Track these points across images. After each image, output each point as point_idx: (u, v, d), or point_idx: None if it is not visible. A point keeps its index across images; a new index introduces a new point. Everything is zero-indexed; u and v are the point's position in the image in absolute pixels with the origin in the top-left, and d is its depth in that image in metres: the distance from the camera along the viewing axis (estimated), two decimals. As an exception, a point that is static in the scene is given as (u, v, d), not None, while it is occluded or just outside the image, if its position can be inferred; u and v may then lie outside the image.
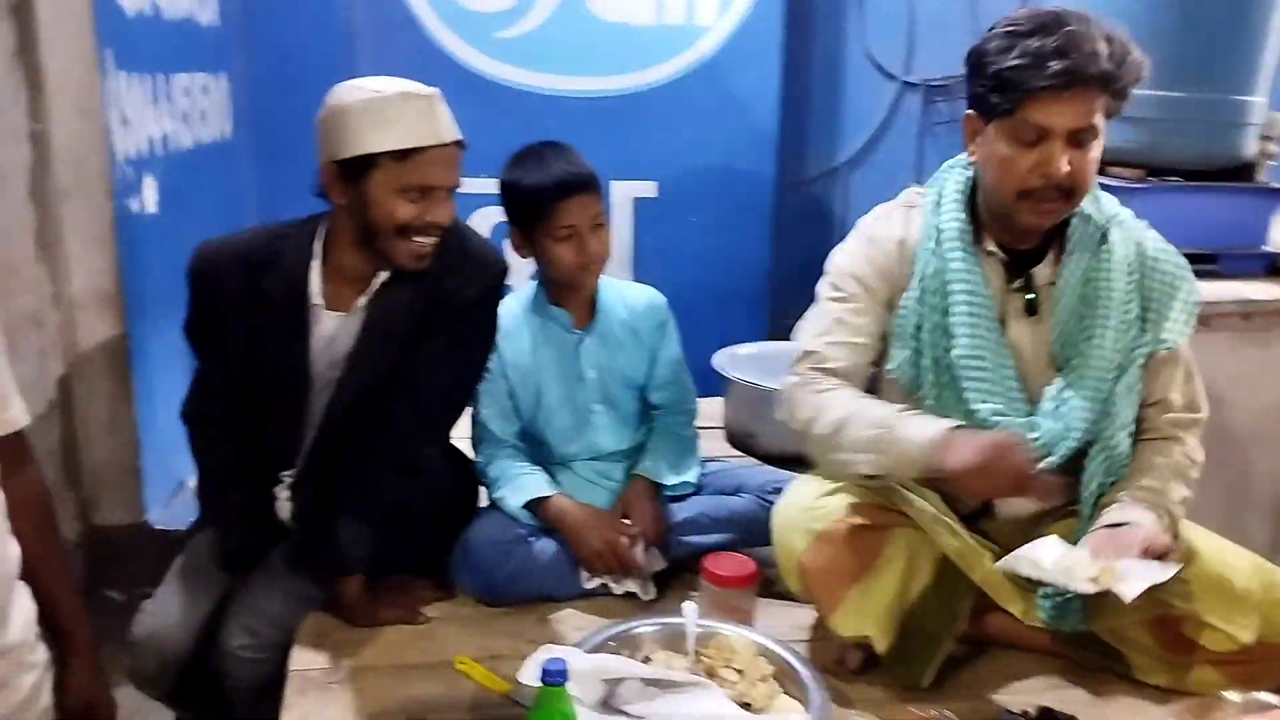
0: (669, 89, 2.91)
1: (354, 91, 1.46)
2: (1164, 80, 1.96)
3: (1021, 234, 1.51)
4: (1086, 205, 1.52)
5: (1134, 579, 1.30)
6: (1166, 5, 1.95)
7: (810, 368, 1.55)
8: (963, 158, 1.58)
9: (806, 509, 1.52)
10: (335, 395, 1.57)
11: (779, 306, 3.16)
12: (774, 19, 2.92)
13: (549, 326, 1.80)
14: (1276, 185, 2.13)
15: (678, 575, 1.75)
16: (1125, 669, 1.53)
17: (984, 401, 1.50)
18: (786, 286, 3.21)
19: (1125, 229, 1.54)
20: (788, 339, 2.61)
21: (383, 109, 1.43)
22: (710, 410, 2.46)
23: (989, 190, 1.51)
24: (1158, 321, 1.52)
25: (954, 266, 1.51)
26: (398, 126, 1.43)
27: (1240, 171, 2.08)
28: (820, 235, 3.31)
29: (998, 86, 1.41)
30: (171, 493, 2.21)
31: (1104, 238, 1.52)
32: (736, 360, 2.43)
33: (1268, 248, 2.11)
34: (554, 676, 1.19)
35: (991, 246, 1.53)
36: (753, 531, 1.74)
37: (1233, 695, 1.30)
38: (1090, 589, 1.32)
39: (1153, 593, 1.45)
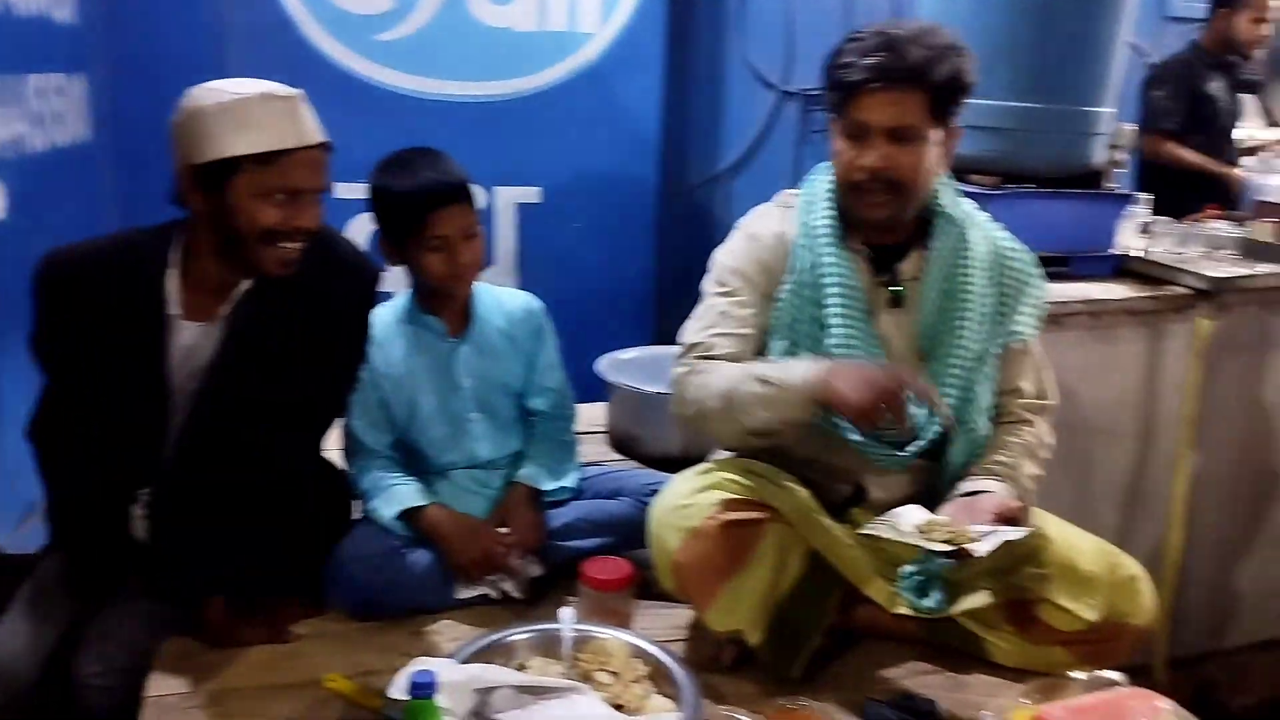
0: (552, 95, 2.91)
1: (211, 94, 1.42)
2: (1019, 92, 2.07)
3: (880, 229, 1.59)
4: (946, 205, 1.61)
5: (988, 539, 1.37)
6: (1022, 22, 2.05)
7: (696, 357, 1.59)
8: (821, 167, 1.66)
9: (679, 508, 1.54)
10: (195, 409, 1.51)
11: (664, 311, 3.19)
12: (656, 28, 2.95)
13: (423, 335, 1.78)
14: (1123, 191, 2.26)
15: (558, 581, 1.75)
16: (983, 653, 1.60)
17: None
18: (671, 291, 3.25)
19: (982, 229, 1.64)
20: (673, 343, 2.66)
21: (243, 111, 1.39)
22: (594, 415, 2.48)
23: (838, 183, 1.59)
24: (1011, 315, 1.62)
25: (826, 262, 1.57)
26: (259, 129, 1.39)
27: (1090, 178, 2.20)
28: (703, 240, 3.33)
29: (832, 86, 1.53)
30: (19, 516, 2.09)
31: (963, 236, 1.61)
32: (619, 365, 2.44)
33: (1115, 250, 2.23)
34: (422, 689, 1.17)
35: (858, 244, 1.60)
36: (632, 534, 1.75)
37: (1078, 674, 1.37)
38: (945, 548, 1.37)
39: (1008, 578, 1.53)
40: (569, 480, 1.84)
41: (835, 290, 1.56)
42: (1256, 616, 2.56)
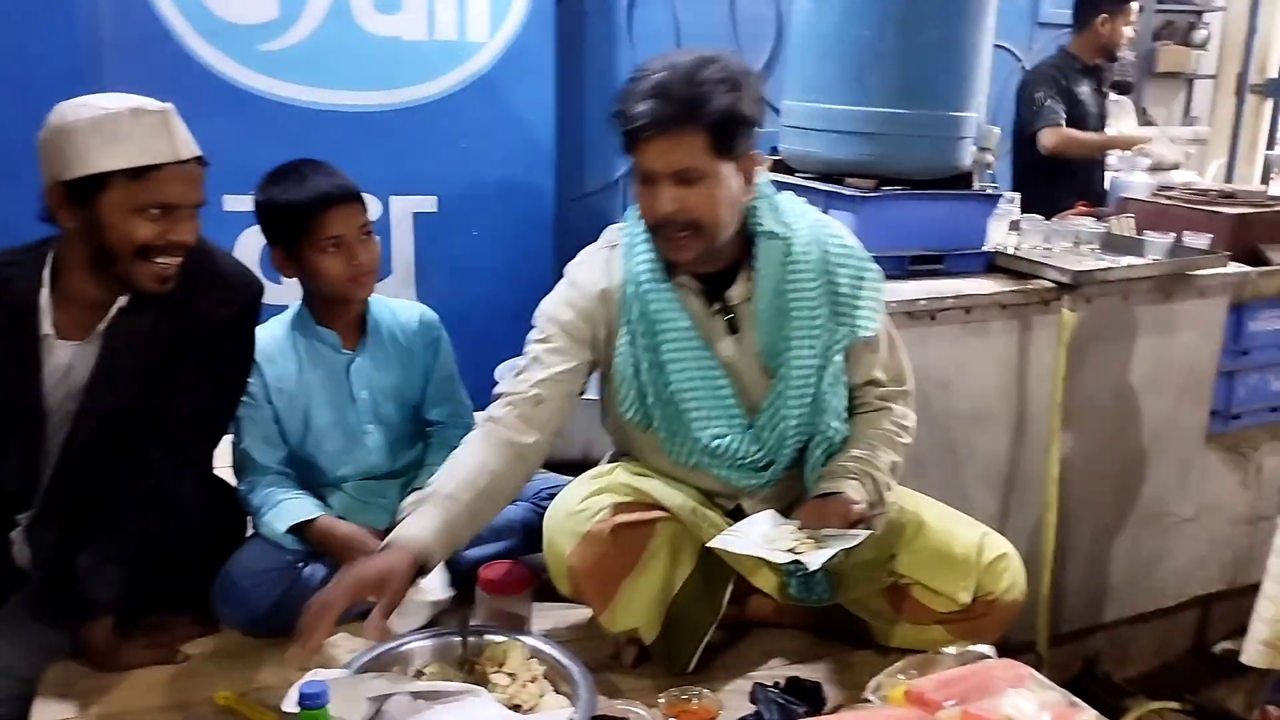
0: (444, 104, 2.91)
1: (79, 109, 1.39)
2: (889, 99, 2.16)
3: (700, 262, 1.55)
4: (766, 224, 1.57)
5: (828, 547, 1.41)
6: (889, 32, 2.13)
7: (500, 406, 1.57)
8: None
9: (572, 513, 1.57)
10: (73, 429, 1.49)
11: (566, 317, 3.22)
12: (546, 37, 2.97)
13: (316, 348, 1.77)
14: (992, 191, 2.38)
15: (457, 585, 1.75)
16: (869, 636, 1.68)
17: (705, 428, 1.58)
18: (572, 297, 3.28)
19: (810, 235, 1.60)
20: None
21: (112, 127, 1.37)
22: (495, 422, 2.49)
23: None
24: (851, 314, 1.60)
25: (654, 306, 1.55)
26: (129, 144, 1.37)
27: (961, 179, 2.31)
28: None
29: (621, 134, 1.47)
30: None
31: (788, 250, 1.57)
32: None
33: (986, 247, 2.34)
34: (311, 700, 1.18)
35: (683, 277, 1.58)
36: (530, 538, 1.78)
37: (950, 650, 1.45)
38: (785, 559, 1.41)
39: (887, 565, 1.61)
40: (466, 489, 1.84)
41: (668, 333, 1.56)
42: (1133, 591, 2.71)
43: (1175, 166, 3.05)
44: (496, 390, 1.61)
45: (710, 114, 1.42)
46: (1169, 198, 2.78)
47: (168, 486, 1.54)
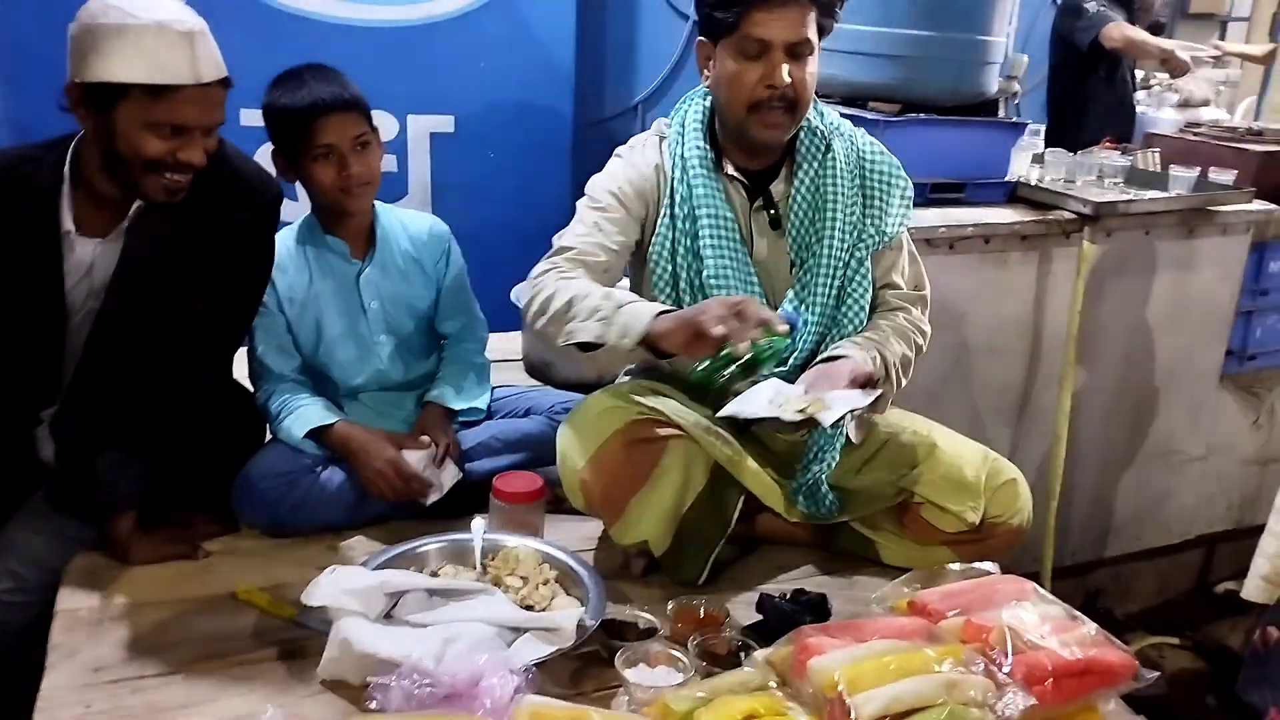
0: (462, 21, 2.87)
1: (110, 11, 1.35)
2: (916, 20, 2.13)
3: (757, 152, 1.62)
4: (811, 118, 1.65)
5: (837, 407, 1.42)
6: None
7: (564, 259, 1.58)
8: (700, 88, 1.67)
9: (586, 428, 1.58)
10: (96, 327, 1.50)
11: (582, 242, 3.22)
12: (567, -47, 2.93)
13: (326, 257, 1.78)
14: (1016, 120, 2.35)
15: (472, 498, 1.78)
16: (875, 555, 1.70)
17: None
18: (588, 223, 3.27)
19: (845, 138, 1.69)
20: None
21: (137, 37, 1.34)
22: (510, 344, 2.50)
23: (723, 110, 1.61)
24: (880, 216, 1.67)
25: (698, 192, 1.60)
26: (150, 59, 1.34)
27: (986, 107, 2.28)
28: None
29: (721, 3, 1.52)
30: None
31: (828, 147, 1.65)
32: (534, 292, 2.46)
33: (1009, 177, 2.32)
34: None
35: (731, 170, 1.63)
36: (544, 451, 1.78)
37: (954, 566, 1.47)
38: (796, 418, 1.42)
39: (898, 483, 1.62)
40: (480, 401, 1.87)
41: (708, 221, 1.60)
42: (1138, 527, 2.74)
43: (1205, 103, 2.99)
44: (560, 244, 1.60)
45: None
46: (1196, 134, 2.74)
47: (189, 386, 1.56)
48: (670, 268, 1.63)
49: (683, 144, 1.63)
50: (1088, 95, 3.54)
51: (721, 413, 1.50)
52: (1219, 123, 2.90)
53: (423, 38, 2.85)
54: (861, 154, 1.69)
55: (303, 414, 1.70)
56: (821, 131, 1.67)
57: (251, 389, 1.79)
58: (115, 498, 1.51)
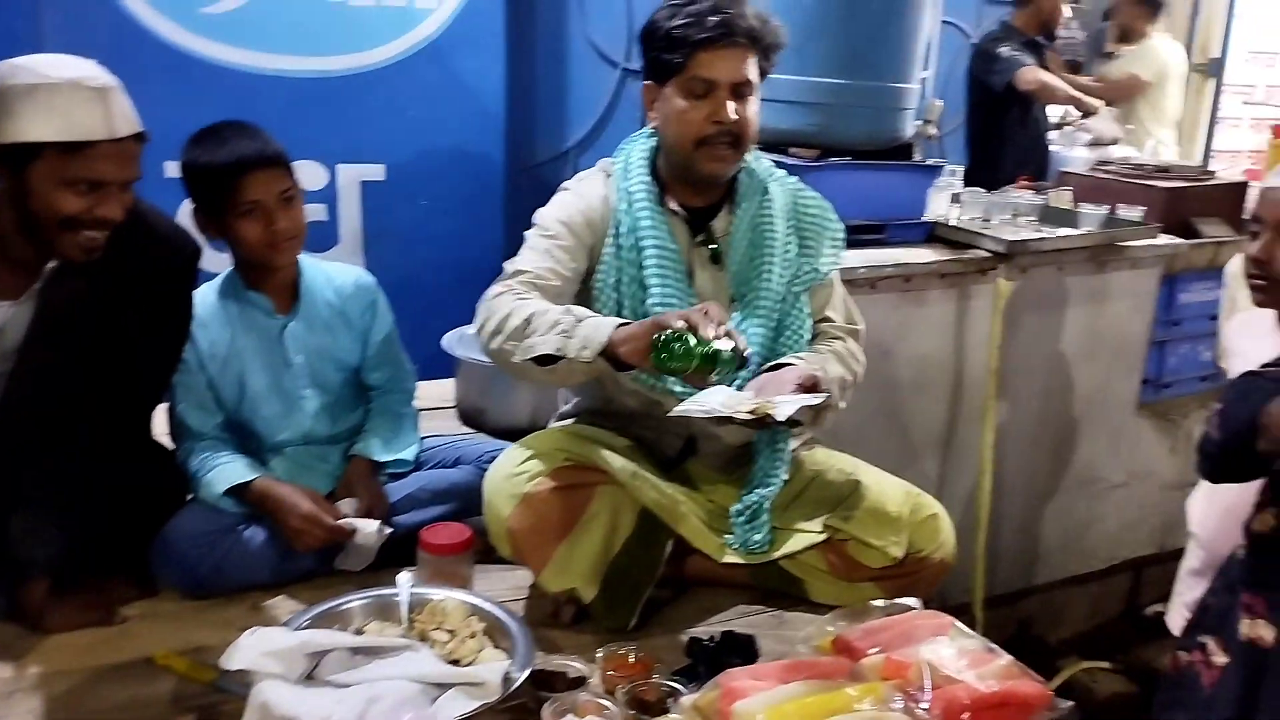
0: (392, 71, 2.89)
1: (20, 72, 1.36)
2: (833, 69, 2.19)
3: (701, 189, 1.69)
4: (750, 162, 1.73)
5: (785, 406, 1.47)
6: (834, 3, 2.17)
7: (518, 281, 1.60)
8: (644, 130, 1.74)
9: (511, 475, 1.59)
10: (8, 390, 1.47)
11: (516, 286, 3.23)
12: (495, 4, 2.97)
13: (248, 313, 1.76)
14: (932, 163, 2.43)
15: (400, 551, 1.77)
16: (804, 593, 1.72)
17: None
18: (522, 267, 3.29)
19: (779, 182, 1.77)
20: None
21: (48, 97, 1.34)
22: (444, 391, 2.50)
23: (671, 147, 1.67)
24: (814, 255, 1.75)
25: (644, 225, 1.65)
26: (64, 118, 1.34)
27: (902, 150, 2.35)
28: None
29: (668, 46, 1.60)
30: None
31: (765, 189, 1.73)
32: (465, 340, 2.47)
33: (927, 218, 2.39)
34: None
35: (675, 206, 1.69)
36: (473, 501, 1.77)
37: (878, 603, 1.50)
38: (748, 417, 1.46)
39: (825, 519, 1.67)
40: (408, 451, 1.86)
41: (654, 253, 1.65)
42: (1066, 554, 2.80)
43: (1114, 142, 3.11)
44: (513, 268, 1.61)
45: (764, 36, 1.62)
46: (1106, 172, 2.85)
47: (106, 446, 1.53)
48: (615, 296, 1.67)
49: (628, 179, 1.68)
50: (1004, 135, 3.67)
51: (674, 411, 1.51)
52: (1128, 160, 3.02)
53: (351, 88, 2.86)
54: (796, 197, 1.77)
55: (223, 471, 1.68)
56: (759, 175, 1.75)
57: (172, 447, 1.77)
58: (28, 564, 1.47)
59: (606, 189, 1.71)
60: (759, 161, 1.77)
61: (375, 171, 2.95)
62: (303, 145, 2.89)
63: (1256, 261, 1.61)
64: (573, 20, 3.25)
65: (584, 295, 1.70)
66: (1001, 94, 3.64)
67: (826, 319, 1.80)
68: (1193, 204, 2.68)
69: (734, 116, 1.60)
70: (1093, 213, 2.46)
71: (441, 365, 2.47)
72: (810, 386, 1.56)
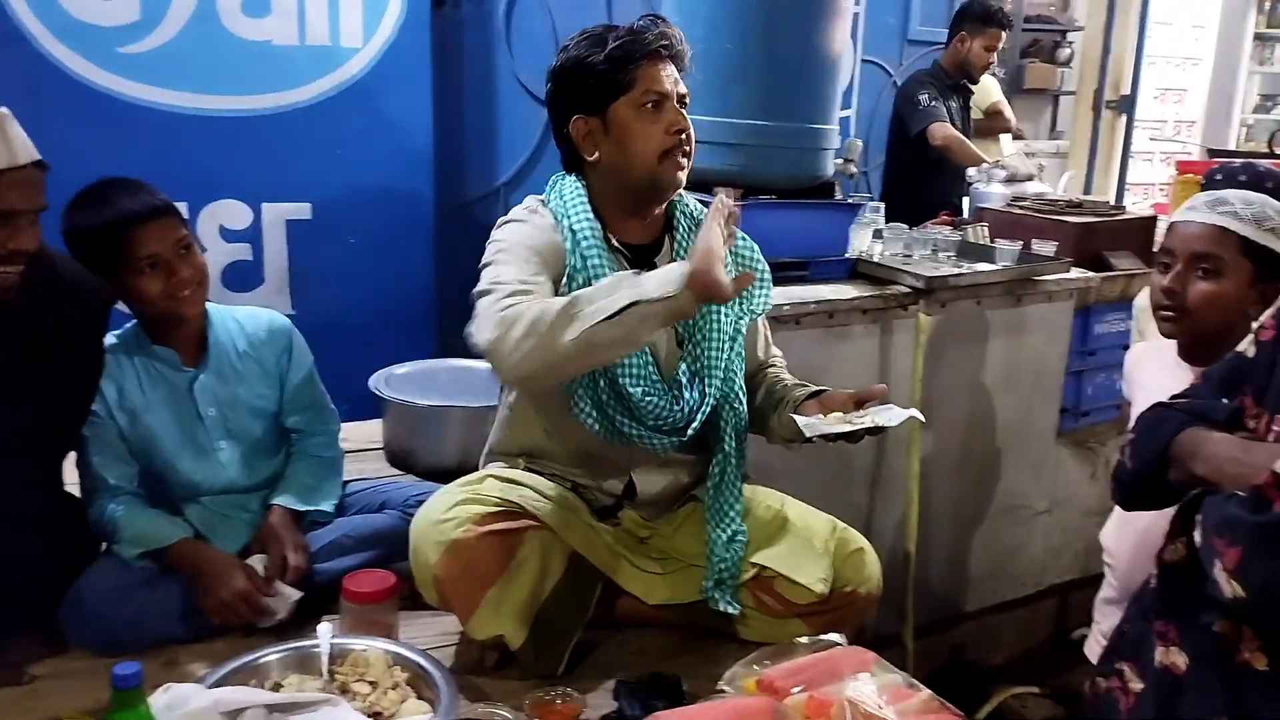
0: (317, 109, 2.87)
1: None
2: (754, 111, 2.24)
3: (643, 221, 1.69)
4: (681, 199, 1.74)
5: (895, 415, 1.55)
6: (752, 47, 2.22)
7: (518, 289, 1.50)
8: (560, 176, 1.72)
9: (438, 521, 1.56)
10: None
11: (447, 326, 3.22)
12: (422, 43, 2.97)
13: (155, 368, 1.72)
14: (852, 200, 2.48)
15: (324, 599, 1.74)
16: (734, 631, 1.72)
17: (635, 386, 1.63)
18: (453, 306, 3.27)
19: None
20: (456, 356, 2.68)
21: None
22: (372, 432, 2.47)
23: (628, 170, 1.62)
24: (751, 294, 1.77)
25: (593, 263, 1.62)
26: None
27: (824, 189, 2.40)
28: (483, 255, 3.42)
29: (613, 67, 1.59)
30: None
31: (698, 225, 1.72)
32: (393, 380, 2.45)
33: (849, 254, 2.44)
34: (125, 680, 1.16)
35: (616, 243, 1.68)
36: (398, 546, 1.75)
37: (803, 639, 1.51)
38: (866, 424, 1.54)
39: (753, 558, 1.71)
40: (330, 498, 1.83)
41: None
42: (994, 581, 2.85)
43: (1030, 178, 3.21)
44: (509, 290, 1.49)
45: (685, 50, 1.66)
46: (1021, 208, 2.94)
47: (14, 501, 1.48)
48: None
49: (571, 217, 1.65)
50: (925, 171, 3.76)
51: (810, 437, 1.54)
52: (1042, 196, 3.12)
53: (275, 126, 2.83)
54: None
55: (141, 532, 1.63)
56: (691, 213, 1.75)
57: (83, 500, 1.71)
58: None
59: (554, 225, 1.66)
60: (688, 200, 1.77)
61: (301, 210, 2.91)
62: (226, 185, 2.86)
63: (1169, 292, 1.68)
64: (500, 58, 3.28)
65: None
66: (914, 138, 3.74)
67: (770, 353, 1.86)
68: (1104, 238, 2.78)
69: (686, 124, 1.62)
70: (1008, 248, 2.53)
71: (370, 405, 2.44)
72: (862, 401, 1.61)
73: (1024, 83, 6.10)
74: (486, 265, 1.59)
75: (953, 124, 3.80)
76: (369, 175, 2.98)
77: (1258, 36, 6.61)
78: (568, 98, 1.65)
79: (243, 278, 2.88)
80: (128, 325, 1.75)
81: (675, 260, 1.69)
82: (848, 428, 1.54)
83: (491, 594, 1.55)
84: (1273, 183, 2.06)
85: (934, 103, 3.75)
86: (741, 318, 1.74)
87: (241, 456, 1.78)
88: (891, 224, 2.72)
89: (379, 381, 2.42)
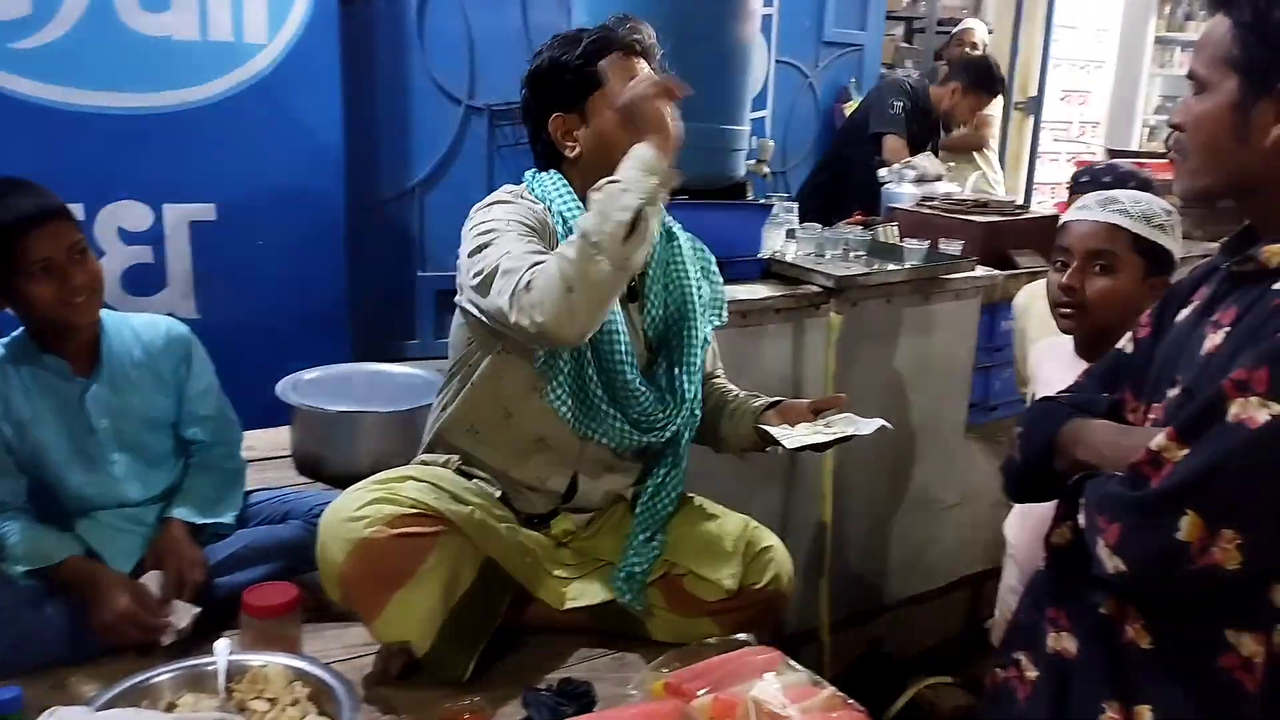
0: (221, 107, 2.79)
1: None
2: (667, 112, 2.23)
3: None
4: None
5: (865, 425, 1.61)
6: (663, 48, 2.21)
7: (539, 264, 1.44)
8: (535, 172, 1.72)
9: (348, 519, 1.53)
10: None
11: (363, 328, 3.16)
12: (330, 40, 2.90)
13: (44, 378, 1.65)
14: (765, 201, 2.50)
15: (224, 614, 1.68)
16: (645, 632, 1.73)
17: (632, 374, 1.64)
18: (369, 308, 3.21)
19: (676, 225, 1.80)
20: (372, 359, 2.64)
21: None
22: (279, 439, 2.41)
23: (607, 160, 1.53)
24: (714, 303, 1.81)
25: None
26: None
27: (736, 190, 2.42)
28: (399, 256, 3.36)
29: (589, 61, 1.61)
30: None
31: (671, 233, 1.75)
32: (301, 386, 2.39)
33: (762, 254, 2.46)
34: (4, 705, 1.12)
35: None
36: (303, 557, 1.72)
37: (712, 640, 1.52)
38: (835, 435, 1.60)
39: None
40: (231, 510, 1.78)
41: None
42: (907, 574, 2.91)
43: (938, 179, 3.28)
44: (511, 265, 1.45)
45: (656, 47, 1.70)
46: (930, 208, 3.00)
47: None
48: None
49: (556, 204, 1.64)
50: (851, 171, 3.81)
51: (788, 448, 1.62)
52: (950, 196, 3.19)
53: (177, 125, 2.74)
54: (694, 245, 1.81)
55: (28, 549, 1.56)
56: (663, 217, 1.72)
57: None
58: None
59: (544, 209, 1.64)
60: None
61: (205, 211, 2.82)
62: (125, 185, 2.76)
63: (1067, 289, 1.73)
64: (414, 56, 3.22)
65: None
66: (869, 137, 3.78)
67: (717, 365, 1.89)
68: (1008, 237, 2.85)
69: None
70: (916, 247, 2.58)
71: (278, 412, 2.38)
72: (819, 409, 1.68)
73: (937, 83, 6.22)
74: (482, 246, 1.52)
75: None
76: (277, 175, 2.90)
77: (1158, 40, 6.86)
78: (546, 97, 1.66)
79: (144, 281, 2.78)
80: (15, 333, 1.67)
81: (650, 269, 1.71)
82: (823, 438, 1.57)
83: (398, 596, 1.53)
84: (1135, 182, 2.14)
85: (902, 115, 3.80)
86: (708, 325, 1.77)
87: (136, 469, 1.72)
88: (805, 224, 2.75)
89: (286, 387, 2.36)
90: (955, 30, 5.01)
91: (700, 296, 1.75)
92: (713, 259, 1.84)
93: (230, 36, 2.77)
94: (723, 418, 1.80)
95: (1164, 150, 5.12)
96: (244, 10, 2.77)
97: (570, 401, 1.64)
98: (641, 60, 1.66)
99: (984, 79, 3.92)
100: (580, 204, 1.63)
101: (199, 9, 2.71)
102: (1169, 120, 1.29)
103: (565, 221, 1.63)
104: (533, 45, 3.34)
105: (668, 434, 1.71)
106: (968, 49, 4.71)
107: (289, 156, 2.90)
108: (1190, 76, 1.17)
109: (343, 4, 2.93)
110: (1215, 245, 1.26)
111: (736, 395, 1.83)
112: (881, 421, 1.61)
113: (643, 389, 1.66)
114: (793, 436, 1.59)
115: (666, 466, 1.74)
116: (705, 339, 1.76)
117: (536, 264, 1.44)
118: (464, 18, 3.26)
